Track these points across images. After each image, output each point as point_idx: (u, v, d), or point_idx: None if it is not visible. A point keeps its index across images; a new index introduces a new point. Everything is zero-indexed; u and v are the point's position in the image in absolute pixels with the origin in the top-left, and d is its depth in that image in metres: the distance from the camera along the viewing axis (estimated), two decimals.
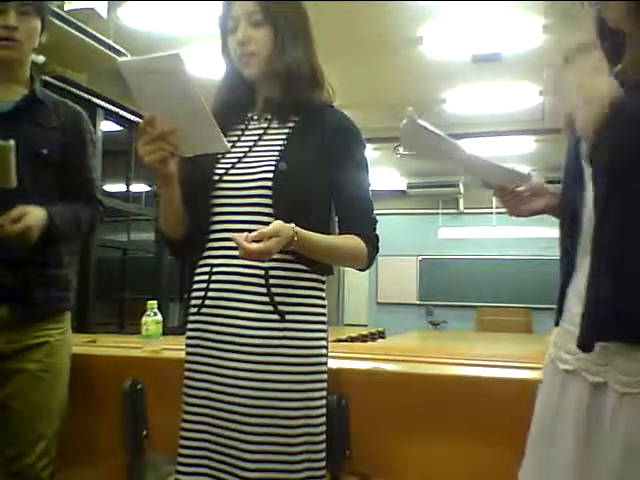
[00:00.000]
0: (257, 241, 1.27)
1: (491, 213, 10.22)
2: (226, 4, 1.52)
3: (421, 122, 1.19)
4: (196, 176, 1.49)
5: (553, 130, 1.15)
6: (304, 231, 1.35)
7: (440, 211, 11.44)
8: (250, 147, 1.51)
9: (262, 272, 1.42)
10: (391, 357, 2.20)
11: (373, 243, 1.50)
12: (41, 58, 4.16)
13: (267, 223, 1.33)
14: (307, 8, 1.55)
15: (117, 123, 6.00)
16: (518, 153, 8.30)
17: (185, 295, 7.03)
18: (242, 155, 1.50)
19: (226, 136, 1.37)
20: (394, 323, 9.94)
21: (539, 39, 4.92)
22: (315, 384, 1.45)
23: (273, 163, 1.44)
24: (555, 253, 1.20)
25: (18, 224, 1.58)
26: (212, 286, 1.48)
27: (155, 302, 2.17)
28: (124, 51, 4.60)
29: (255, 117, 1.57)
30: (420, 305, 11.40)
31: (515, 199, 1.32)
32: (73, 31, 4.29)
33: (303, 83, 1.49)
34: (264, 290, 1.42)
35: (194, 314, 1.52)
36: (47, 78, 4.47)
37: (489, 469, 1.60)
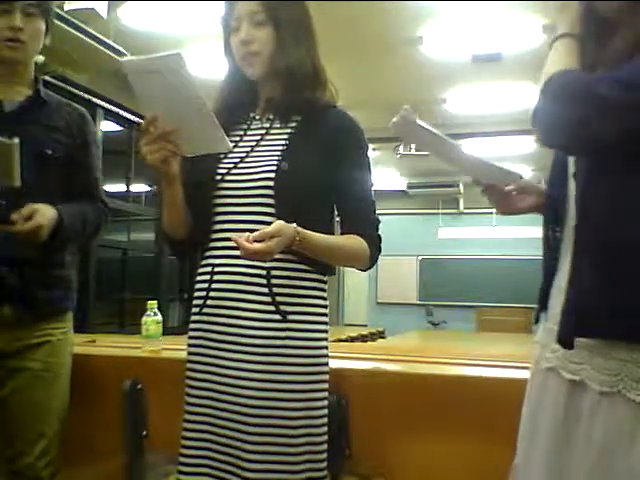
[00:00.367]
0: (259, 241, 1.27)
1: (491, 213, 10.15)
2: (229, 4, 1.52)
3: (414, 119, 1.19)
4: (198, 176, 1.49)
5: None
6: (306, 231, 1.35)
7: (440, 211, 11.44)
8: (252, 147, 1.51)
9: (264, 272, 1.42)
10: (391, 357, 2.19)
11: (375, 243, 1.50)
12: (41, 58, 4.12)
13: (269, 223, 1.33)
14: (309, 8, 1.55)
15: (117, 123, 6.01)
16: (518, 153, 8.29)
17: (185, 295, 7.04)
18: (244, 155, 1.50)
19: (228, 136, 1.37)
20: (394, 323, 9.95)
21: (539, 39, 4.91)
22: (317, 384, 1.45)
23: (275, 163, 1.44)
24: None
25: (29, 222, 1.57)
26: (214, 286, 1.48)
27: (155, 302, 2.17)
28: (124, 51, 4.59)
29: (257, 117, 1.56)
30: (420, 305, 11.41)
31: (504, 197, 1.33)
32: (73, 31, 4.28)
33: (305, 83, 1.49)
34: (266, 290, 1.42)
35: (196, 314, 1.52)
36: (47, 78, 4.46)
37: (489, 469, 1.59)
